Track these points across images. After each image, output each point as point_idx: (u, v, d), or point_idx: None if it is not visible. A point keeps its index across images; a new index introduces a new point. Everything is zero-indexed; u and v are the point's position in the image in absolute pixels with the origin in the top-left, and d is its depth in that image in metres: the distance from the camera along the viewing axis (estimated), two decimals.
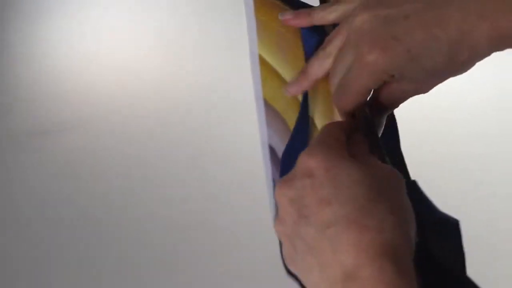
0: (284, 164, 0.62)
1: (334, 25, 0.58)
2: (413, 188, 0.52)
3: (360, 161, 0.48)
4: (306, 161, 0.48)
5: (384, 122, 0.58)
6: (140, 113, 1.75)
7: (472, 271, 0.51)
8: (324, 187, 0.46)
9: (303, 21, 0.59)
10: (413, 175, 0.55)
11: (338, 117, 0.58)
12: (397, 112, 0.59)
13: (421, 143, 1.65)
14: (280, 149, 0.68)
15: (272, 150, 0.70)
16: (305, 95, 0.59)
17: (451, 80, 0.57)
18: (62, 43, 1.91)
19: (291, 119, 0.66)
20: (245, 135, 1.67)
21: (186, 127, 1.72)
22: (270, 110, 0.70)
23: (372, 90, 0.56)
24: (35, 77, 1.84)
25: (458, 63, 0.51)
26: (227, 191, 1.51)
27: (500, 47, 0.50)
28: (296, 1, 0.62)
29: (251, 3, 0.66)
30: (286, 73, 0.64)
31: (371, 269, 0.43)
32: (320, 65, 0.57)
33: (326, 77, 0.58)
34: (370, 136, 0.55)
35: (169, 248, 1.40)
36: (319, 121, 0.61)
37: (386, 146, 0.61)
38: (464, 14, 0.49)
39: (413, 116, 1.65)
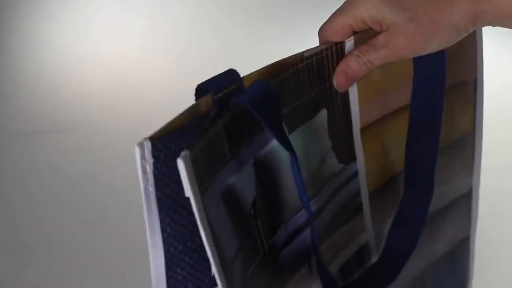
0: None
1: None
2: None
3: None
4: None
5: None
6: (139, 113, 1.66)
7: None
8: None
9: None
10: None
11: None
12: None
13: None
14: None
15: None
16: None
17: None
18: (60, 43, 1.88)
19: None
20: None
21: None
22: None
23: (352, 32, 0.60)
24: (33, 77, 1.82)
25: (439, 10, 0.56)
26: None
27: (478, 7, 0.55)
28: None
29: None
30: None
31: None
32: None
33: None
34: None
35: None
36: None
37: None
38: None
39: None
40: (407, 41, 0.57)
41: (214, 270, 0.52)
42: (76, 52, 1.87)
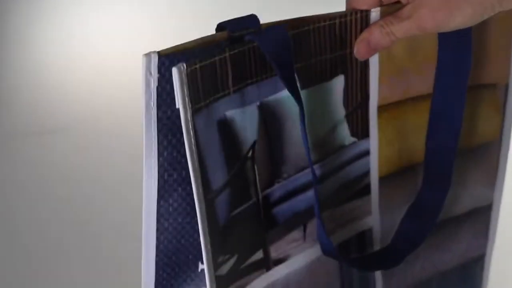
0: None
1: None
2: None
3: None
4: None
5: None
6: (139, 112, 1.66)
7: None
8: None
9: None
10: None
11: None
12: None
13: None
14: None
15: None
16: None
17: None
18: (59, 43, 1.88)
19: None
20: None
21: None
22: None
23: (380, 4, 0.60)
24: (32, 77, 1.82)
25: None
26: None
27: None
28: None
29: None
30: None
31: None
32: None
33: None
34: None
35: None
36: None
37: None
38: None
39: None
40: (431, 13, 0.58)
41: (194, 192, 0.53)
42: (75, 52, 1.88)
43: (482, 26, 0.68)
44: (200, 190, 0.53)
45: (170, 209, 0.59)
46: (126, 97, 1.74)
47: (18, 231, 1.41)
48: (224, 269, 0.58)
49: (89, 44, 1.92)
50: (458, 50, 0.65)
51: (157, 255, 0.61)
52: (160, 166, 0.56)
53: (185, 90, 0.51)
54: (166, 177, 0.57)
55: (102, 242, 1.37)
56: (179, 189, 0.58)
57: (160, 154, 0.56)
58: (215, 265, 0.56)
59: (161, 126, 0.55)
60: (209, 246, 0.55)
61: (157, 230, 0.59)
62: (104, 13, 1.99)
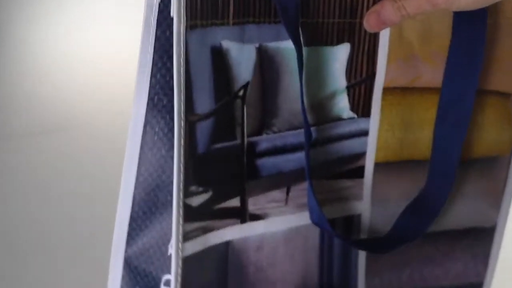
0: None
1: None
2: None
3: None
4: None
5: None
6: None
7: None
8: None
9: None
10: None
11: None
12: None
13: None
14: None
15: None
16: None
17: None
18: (58, 44, 1.89)
19: None
20: None
21: None
22: None
23: None
24: (32, 77, 1.83)
25: None
26: None
27: None
28: None
29: None
30: None
31: None
32: None
33: None
34: None
35: None
36: None
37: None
38: None
39: None
40: None
41: (175, 106, 0.53)
42: (74, 52, 1.91)
43: (501, 28, 0.68)
44: (182, 107, 0.54)
45: (156, 137, 0.59)
46: (126, 97, 1.77)
47: (17, 231, 1.42)
48: (195, 201, 0.57)
49: (89, 44, 1.94)
50: (472, 36, 0.64)
51: (135, 188, 0.61)
52: (151, 87, 0.57)
53: (182, 0, 0.52)
54: (156, 100, 0.58)
55: (102, 241, 1.37)
56: (167, 117, 0.58)
57: (153, 75, 0.56)
58: (185, 191, 0.56)
59: (158, 46, 0.55)
60: (181, 167, 0.55)
61: (139, 158, 0.60)
62: (104, 14, 2.02)
